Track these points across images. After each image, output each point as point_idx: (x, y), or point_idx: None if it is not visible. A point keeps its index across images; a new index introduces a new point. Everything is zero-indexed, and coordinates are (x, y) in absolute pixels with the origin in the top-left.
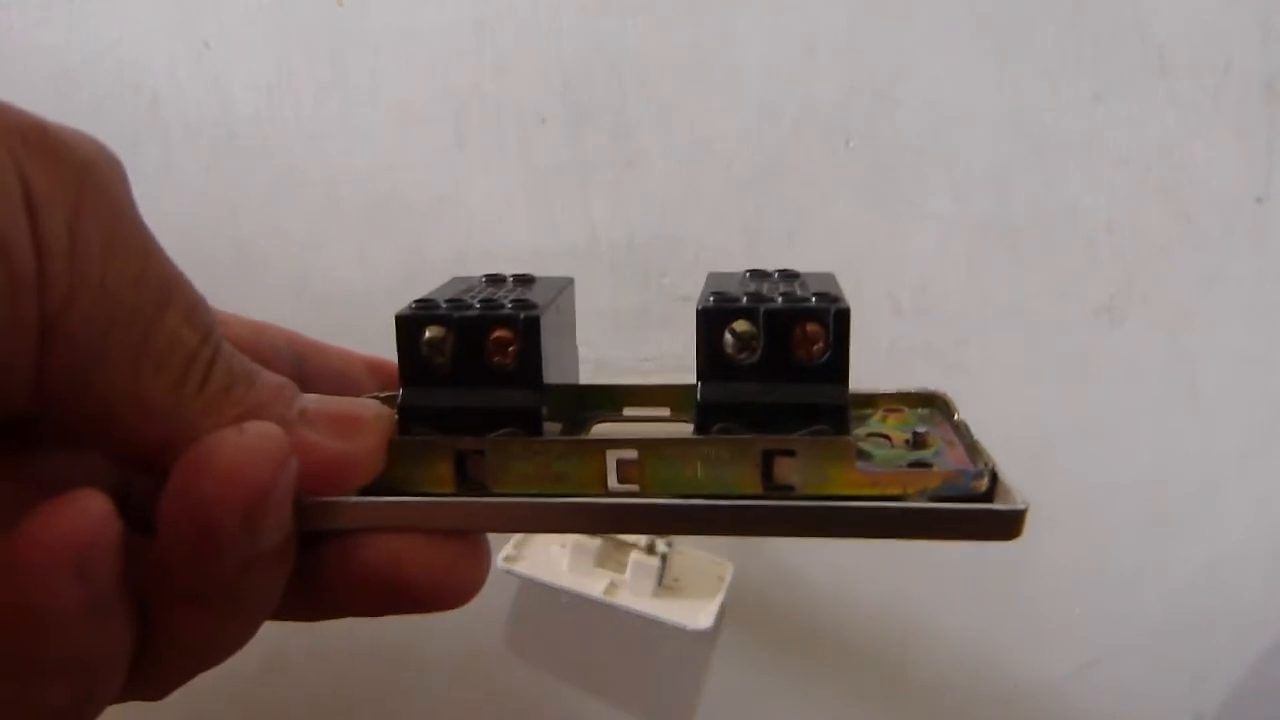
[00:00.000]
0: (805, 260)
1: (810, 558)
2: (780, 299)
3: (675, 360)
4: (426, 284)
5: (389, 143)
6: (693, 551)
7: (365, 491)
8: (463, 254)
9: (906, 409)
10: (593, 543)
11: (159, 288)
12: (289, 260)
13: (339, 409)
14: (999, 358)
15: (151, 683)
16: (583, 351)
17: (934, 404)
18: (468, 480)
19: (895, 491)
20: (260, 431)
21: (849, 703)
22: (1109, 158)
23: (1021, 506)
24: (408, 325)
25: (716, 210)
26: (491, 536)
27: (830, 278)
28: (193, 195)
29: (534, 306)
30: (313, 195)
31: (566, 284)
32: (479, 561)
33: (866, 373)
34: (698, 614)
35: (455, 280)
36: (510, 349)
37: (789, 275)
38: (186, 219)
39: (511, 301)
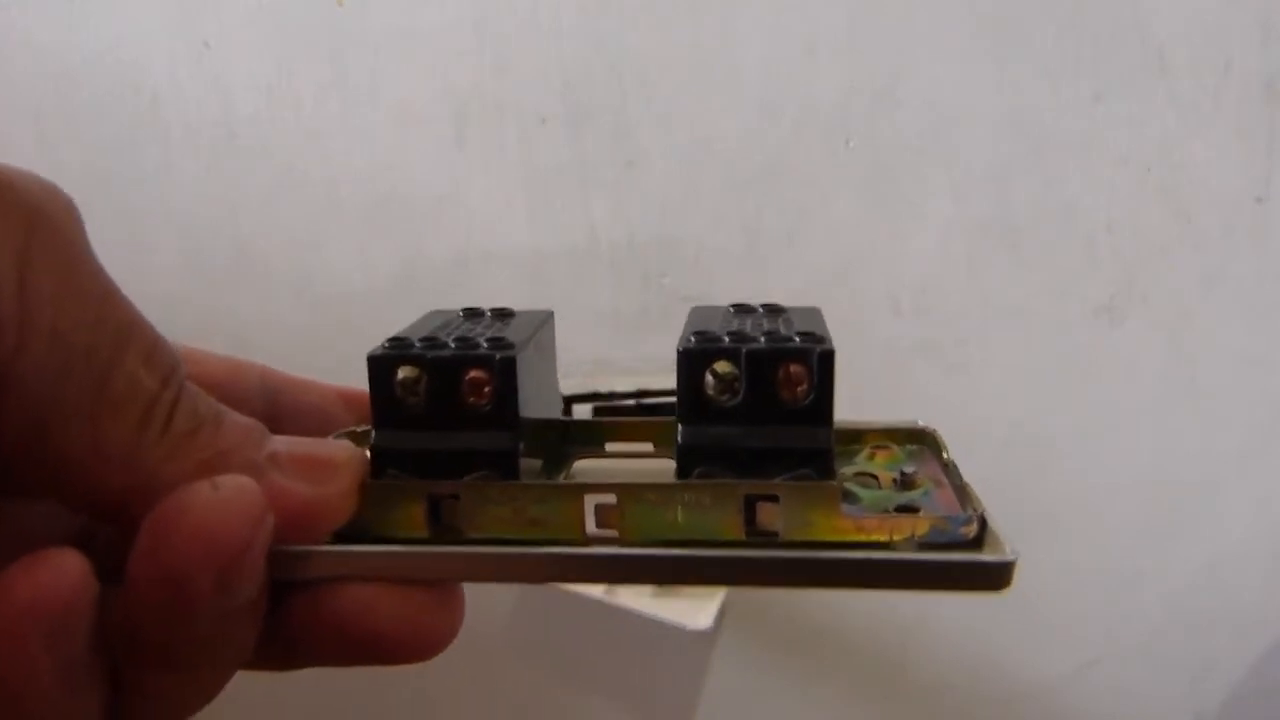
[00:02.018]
0: (805, 260)
1: None
2: (763, 339)
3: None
4: (426, 284)
5: (389, 143)
6: None
7: (336, 536)
8: (463, 254)
9: (894, 446)
10: None
11: (116, 331)
12: (289, 260)
13: (310, 452)
14: (999, 358)
15: None
16: (583, 352)
17: (923, 440)
18: (441, 525)
19: (881, 538)
20: (235, 485)
21: (849, 703)
22: (1109, 158)
23: (1011, 558)
24: (380, 365)
25: (716, 210)
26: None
27: (816, 313)
28: (193, 195)
29: (510, 346)
30: (313, 195)
31: (546, 319)
32: (452, 611)
33: (867, 373)
34: (698, 614)
35: (432, 314)
36: (486, 389)
37: (774, 310)
38: (186, 219)
39: (487, 340)
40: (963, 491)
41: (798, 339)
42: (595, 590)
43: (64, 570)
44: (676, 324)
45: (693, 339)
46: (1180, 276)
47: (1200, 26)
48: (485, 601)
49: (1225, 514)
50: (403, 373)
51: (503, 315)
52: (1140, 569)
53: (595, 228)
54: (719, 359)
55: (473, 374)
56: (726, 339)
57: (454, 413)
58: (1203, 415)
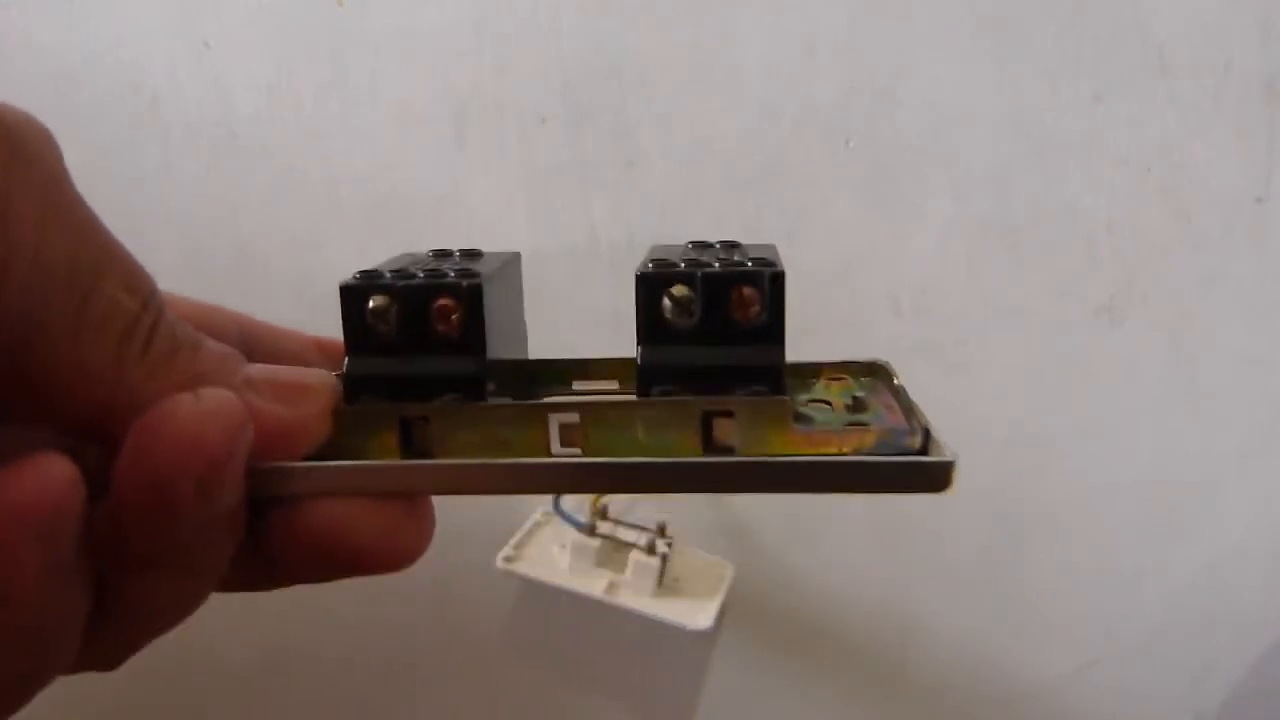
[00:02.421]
0: (805, 260)
1: (810, 558)
2: (718, 264)
3: None
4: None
5: (389, 143)
6: (693, 552)
7: (311, 459)
8: None
9: (849, 377)
10: (593, 543)
11: (96, 256)
12: (289, 260)
13: (284, 377)
14: (999, 358)
15: (103, 650)
16: (582, 352)
17: (876, 373)
18: (413, 447)
19: (831, 451)
20: (217, 398)
21: (849, 703)
22: (1109, 158)
23: (950, 459)
24: (352, 294)
25: (716, 210)
26: (491, 537)
27: (771, 248)
28: (193, 195)
29: (476, 275)
30: (313, 195)
31: (513, 258)
32: (423, 525)
33: None
34: (698, 614)
35: (403, 255)
36: (454, 317)
37: (730, 245)
38: (186, 219)
39: (455, 271)
40: (910, 411)
41: (750, 265)
42: (595, 590)
43: (53, 473)
44: None
45: (650, 265)
46: (1180, 276)
47: (1200, 26)
48: (485, 601)
49: (1225, 514)
50: (374, 301)
51: (471, 254)
52: (1140, 569)
53: (595, 228)
54: (676, 283)
55: (441, 301)
56: (683, 265)
57: (423, 340)
58: (1203, 415)
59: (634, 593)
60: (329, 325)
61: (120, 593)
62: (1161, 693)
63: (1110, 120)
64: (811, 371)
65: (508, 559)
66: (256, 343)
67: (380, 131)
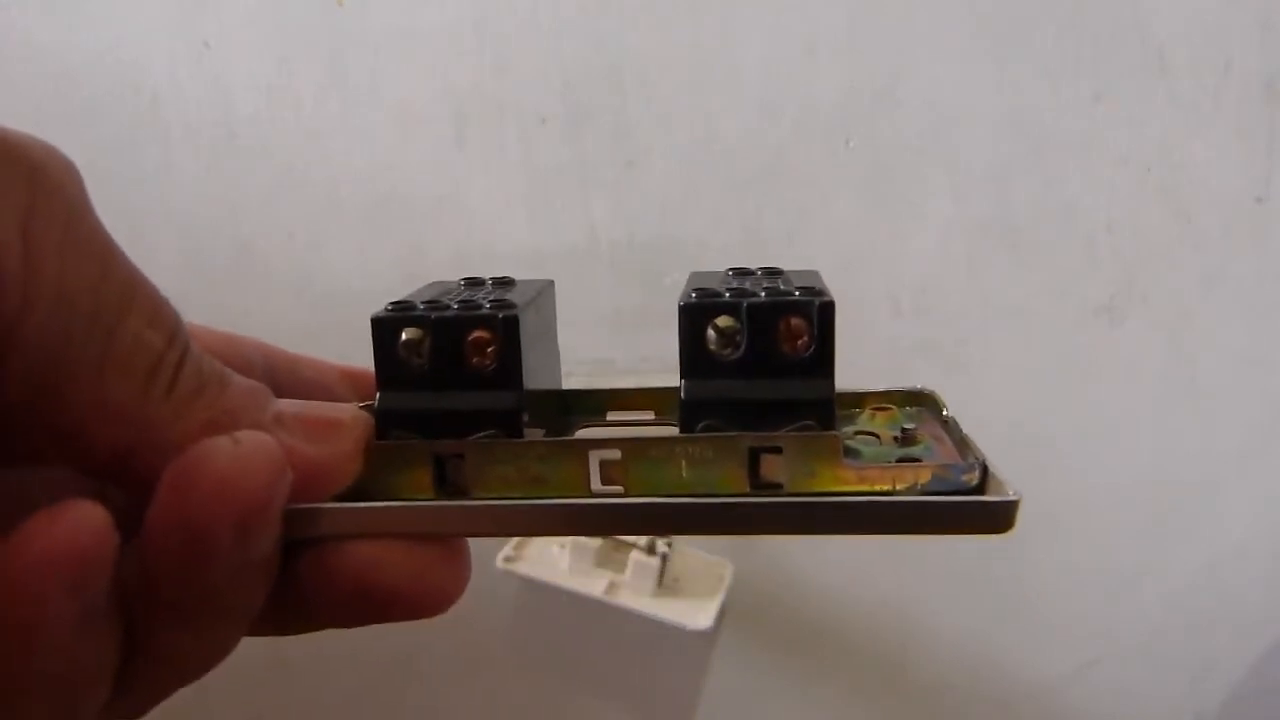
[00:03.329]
0: (805, 260)
1: (810, 558)
2: (764, 293)
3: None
4: (426, 283)
5: (389, 143)
6: (693, 552)
7: (342, 498)
8: (463, 254)
9: (894, 407)
10: (593, 543)
11: (120, 290)
12: (289, 260)
13: (315, 413)
14: (999, 358)
15: (131, 698)
16: (583, 352)
17: (922, 402)
18: (447, 484)
19: (884, 487)
20: (256, 441)
21: (849, 703)
22: (1109, 158)
23: (1014, 498)
24: (384, 327)
25: (716, 210)
26: (490, 539)
27: (815, 274)
28: (193, 195)
29: (512, 306)
30: (313, 195)
31: (546, 286)
32: (459, 567)
33: (867, 372)
34: (698, 614)
35: (433, 284)
36: (489, 350)
37: (772, 272)
38: (186, 219)
39: (490, 302)
40: (963, 444)
41: (798, 293)
42: (595, 590)
43: (86, 520)
44: (677, 324)
45: (694, 295)
46: (1180, 276)
47: (1200, 26)
48: (485, 601)
49: (1225, 514)
50: (406, 334)
51: (503, 283)
52: (1140, 569)
53: (595, 228)
54: (720, 314)
55: (476, 334)
56: (727, 294)
57: (458, 374)
58: (1203, 415)
59: (634, 593)
60: (328, 325)
61: (149, 641)
62: (1161, 693)
63: (1110, 120)
64: (854, 400)
65: (508, 559)
66: (280, 373)
67: (380, 131)
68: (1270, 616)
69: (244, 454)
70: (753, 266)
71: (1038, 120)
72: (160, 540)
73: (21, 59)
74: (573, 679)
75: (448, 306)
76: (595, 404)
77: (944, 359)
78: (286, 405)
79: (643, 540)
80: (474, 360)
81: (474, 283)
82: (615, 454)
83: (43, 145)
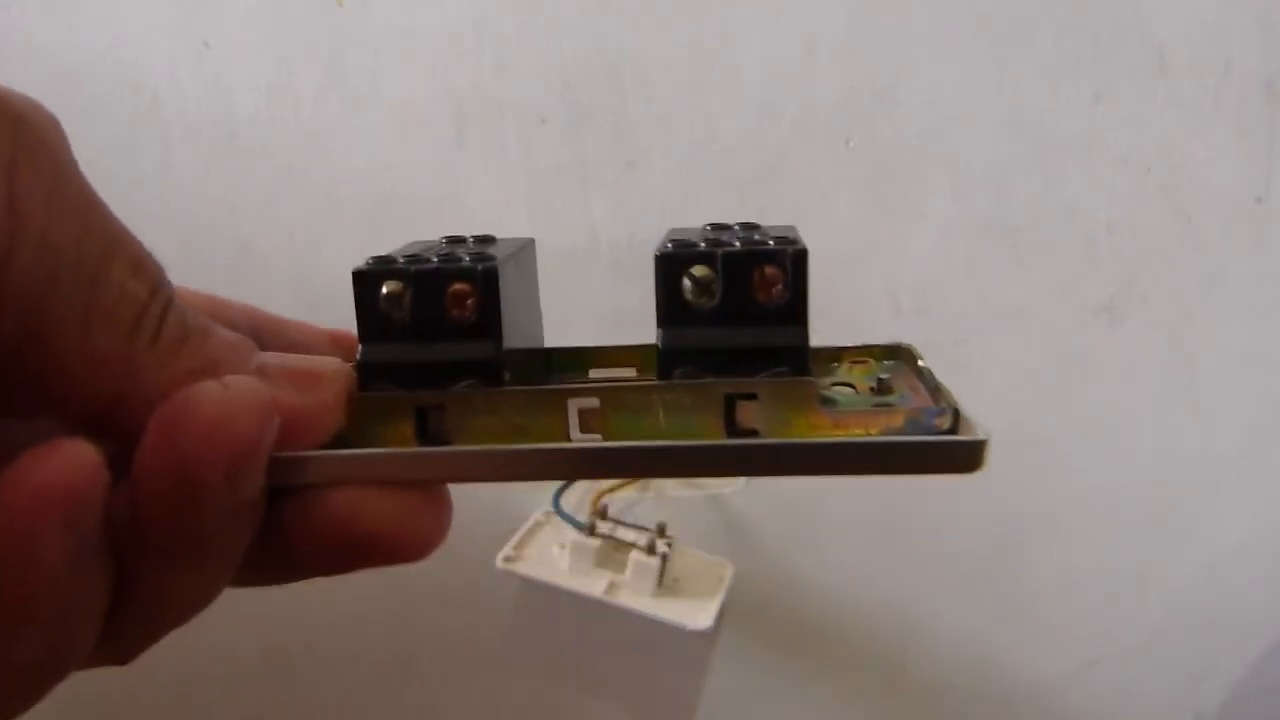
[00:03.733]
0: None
1: (810, 558)
2: (738, 244)
3: None
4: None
5: (389, 143)
6: (693, 552)
7: (325, 447)
8: None
9: (872, 360)
10: (592, 543)
11: (104, 242)
12: (289, 260)
13: (297, 364)
14: (999, 358)
15: (120, 642)
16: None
17: (899, 355)
18: (429, 435)
19: (859, 432)
20: (245, 385)
21: (849, 703)
22: (1109, 158)
23: (982, 437)
24: (365, 280)
25: (716, 210)
26: (491, 537)
27: (792, 228)
28: (193, 195)
29: (492, 259)
30: (313, 195)
31: (527, 243)
32: (440, 514)
33: None
34: (698, 614)
35: (415, 242)
36: (469, 301)
37: (749, 226)
38: (186, 219)
39: (470, 255)
40: (937, 391)
41: (772, 243)
42: (595, 590)
43: (78, 457)
44: None
45: (669, 245)
46: (1180, 276)
47: (1200, 26)
48: (485, 601)
49: (1225, 514)
50: (387, 287)
51: (484, 240)
52: (1140, 569)
53: (595, 228)
54: (696, 263)
55: (456, 286)
56: (703, 245)
57: (438, 326)
58: (1203, 415)
59: (634, 593)
60: (330, 325)
61: (137, 584)
62: (1161, 693)
63: (1110, 120)
64: (833, 355)
65: (508, 559)
66: (265, 334)
67: (380, 131)
68: (1270, 616)
69: (232, 398)
70: (730, 222)
71: (1038, 120)
72: (150, 482)
73: (21, 59)
74: (573, 679)
75: (428, 260)
76: (578, 361)
77: (944, 359)
78: (270, 357)
79: (642, 540)
80: (454, 312)
81: (456, 240)
82: (593, 402)
83: (27, 99)
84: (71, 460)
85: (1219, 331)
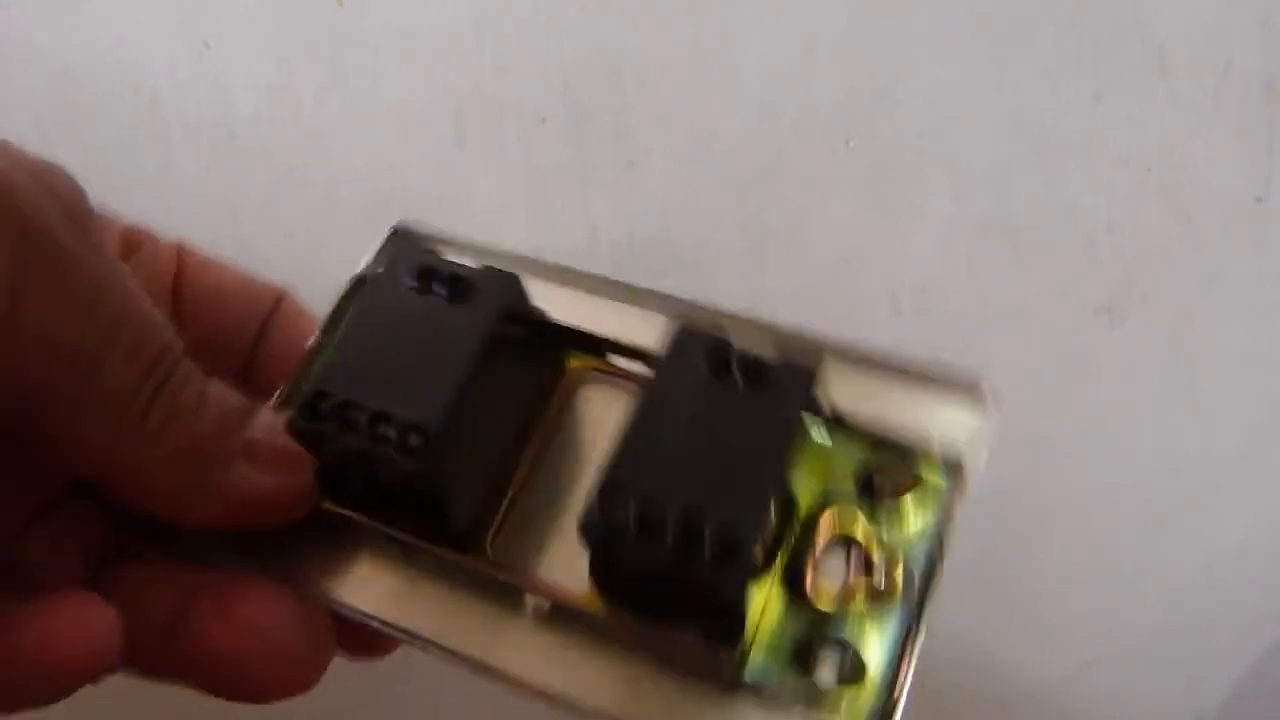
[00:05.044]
0: (805, 260)
1: None
2: (675, 538)
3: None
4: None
5: (389, 143)
6: None
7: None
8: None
9: (863, 516)
10: None
11: (104, 328)
12: (290, 260)
13: (285, 444)
14: (999, 358)
15: None
16: None
17: (926, 491)
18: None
19: None
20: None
21: None
22: (1109, 158)
23: None
24: (301, 437)
25: (716, 210)
26: None
27: (790, 417)
28: (193, 195)
29: (427, 452)
30: (313, 195)
31: (506, 290)
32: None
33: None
34: None
35: (385, 274)
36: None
37: (748, 396)
38: (186, 219)
39: (399, 430)
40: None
41: (730, 517)
42: None
43: (92, 626)
44: None
45: (598, 514)
46: (1180, 276)
47: (1200, 26)
48: None
49: (1225, 514)
50: (323, 450)
51: (460, 292)
52: (1140, 569)
53: (595, 228)
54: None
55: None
56: (633, 526)
57: (384, 486)
58: (1203, 415)
59: None
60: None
61: None
62: (1161, 693)
63: (1110, 120)
64: (857, 449)
65: None
66: (188, 276)
67: (380, 131)
68: (1270, 616)
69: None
70: (736, 365)
71: (1038, 120)
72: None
73: (21, 59)
74: None
75: (359, 426)
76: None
77: (944, 359)
78: (259, 431)
79: None
80: (389, 479)
81: (425, 290)
82: (545, 605)
83: (37, 183)
84: (86, 631)
85: (1219, 331)
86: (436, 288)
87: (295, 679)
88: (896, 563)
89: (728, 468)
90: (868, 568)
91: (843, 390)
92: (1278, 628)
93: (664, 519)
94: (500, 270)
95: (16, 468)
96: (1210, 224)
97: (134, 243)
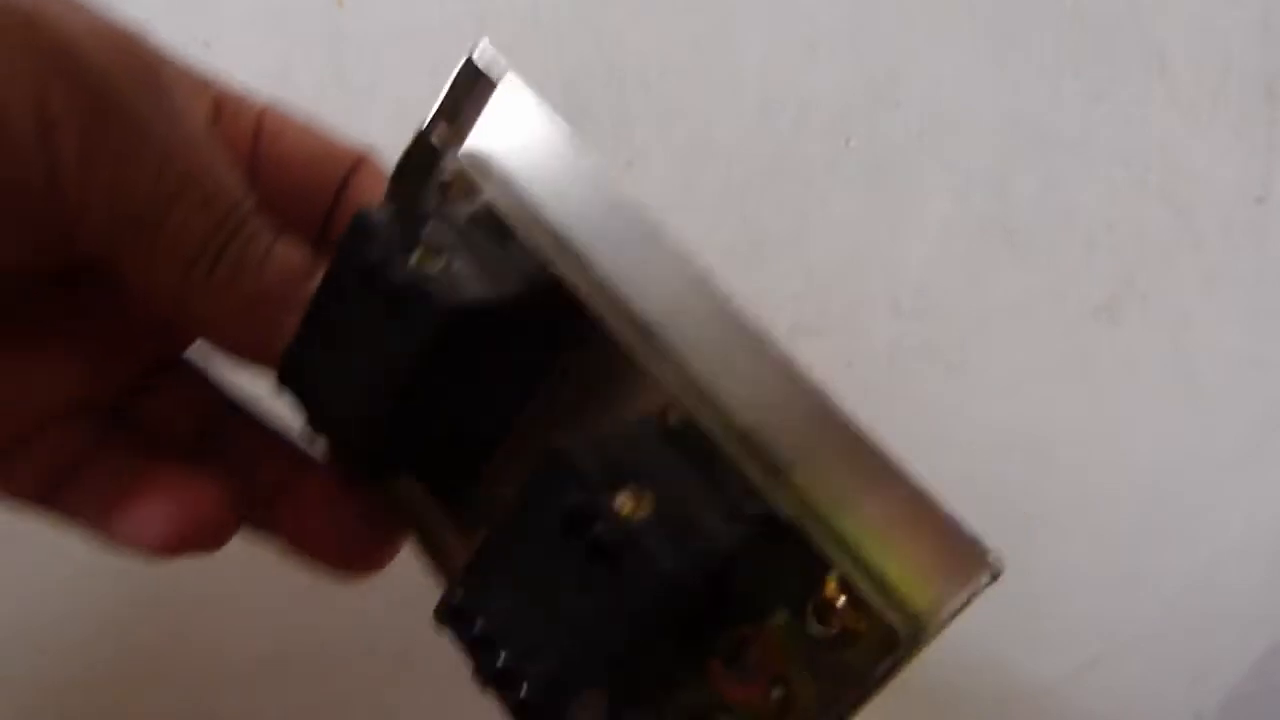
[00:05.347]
0: (805, 260)
1: None
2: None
3: None
4: None
5: (390, 143)
6: None
7: None
8: None
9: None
10: None
11: (174, 183)
12: None
13: None
14: (999, 358)
15: None
16: None
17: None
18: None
19: None
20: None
21: None
22: (1109, 158)
23: None
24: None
25: (716, 210)
26: None
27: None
28: None
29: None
30: None
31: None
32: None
33: (867, 373)
34: None
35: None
36: None
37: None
38: None
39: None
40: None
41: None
42: None
43: (192, 514)
44: None
45: (447, 616)
46: (1180, 276)
47: (1200, 26)
48: None
49: (1225, 514)
50: None
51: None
52: (1140, 569)
53: None
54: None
55: None
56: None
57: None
58: (1202, 415)
59: None
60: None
61: None
62: (1161, 693)
63: (1110, 120)
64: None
65: None
66: (266, 135)
67: (381, 131)
68: (1270, 616)
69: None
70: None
71: (1038, 120)
72: None
73: None
74: None
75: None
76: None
77: (944, 359)
78: None
79: None
80: None
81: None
82: None
83: (102, 45)
84: (195, 515)
85: (1218, 331)
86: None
87: (367, 566)
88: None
89: (568, 630)
90: (775, 681)
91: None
92: (1278, 628)
93: (495, 651)
94: None
95: (122, 323)
96: (1210, 224)
97: (221, 104)
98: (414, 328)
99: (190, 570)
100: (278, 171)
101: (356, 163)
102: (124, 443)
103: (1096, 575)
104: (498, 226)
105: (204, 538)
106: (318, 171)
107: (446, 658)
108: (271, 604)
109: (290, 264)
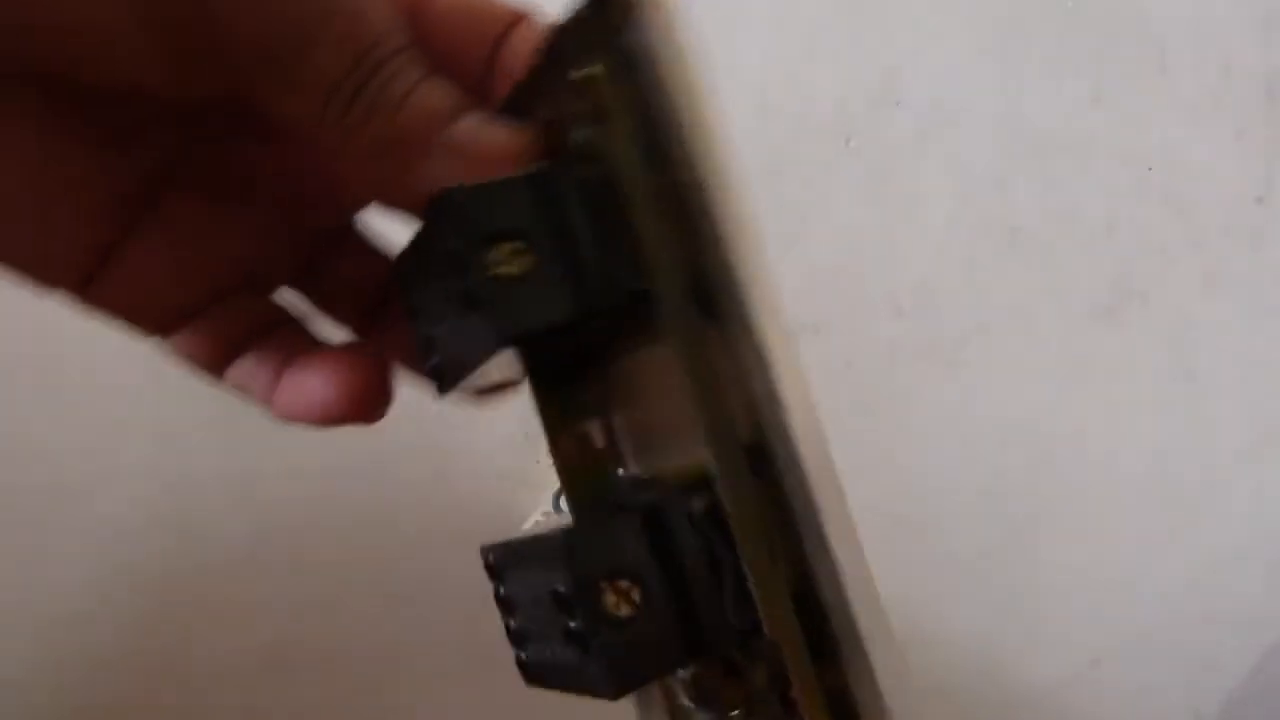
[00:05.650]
0: (805, 260)
1: None
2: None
3: None
4: None
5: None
6: None
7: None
8: None
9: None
10: None
11: (311, 21)
12: None
13: (490, 144)
14: (999, 358)
15: None
16: None
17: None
18: None
19: None
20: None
21: None
22: (1109, 158)
23: None
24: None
25: None
26: (491, 537)
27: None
28: None
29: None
30: None
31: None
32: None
33: (867, 373)
34: None
35: None
36: None
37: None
38: None
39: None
40: None
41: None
42: None
43: (354, 394)
44: None
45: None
46: (1180, 276)
47: (1200, 26)
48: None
49: (1225, 514)
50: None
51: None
52: (1140, 569)
53: None
54: None
55: None
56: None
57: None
58: (1203, 415)
59: None
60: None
61: None
62: (1161, 693)
63: (1110, 120)
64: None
65: None
66: (515, 51)
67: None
68: (1270, 616)
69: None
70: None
71: (1038, 120)
72: None
73: None
74: None
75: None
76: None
77: (944, 359)
78: (462, 132)
79: None
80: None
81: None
82: None
83: None
84: (349, 394)
85: (1219, 331)
86: None
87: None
88: None
89: None
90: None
91: None
92: (1278, 628)
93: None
94: None
95: (289, 189)
96: (1210, 224)
97: None
98: (480, 335)
99: (190, 570)
100: (435, 28)
101: (515, 20)
102: (290, 318)
103: (1096, 575)
104: (610, 200)
105: (363, 409)
106: (474, 28)
107: (446, 658)
108: (271, 604)
109: (430, 106)
